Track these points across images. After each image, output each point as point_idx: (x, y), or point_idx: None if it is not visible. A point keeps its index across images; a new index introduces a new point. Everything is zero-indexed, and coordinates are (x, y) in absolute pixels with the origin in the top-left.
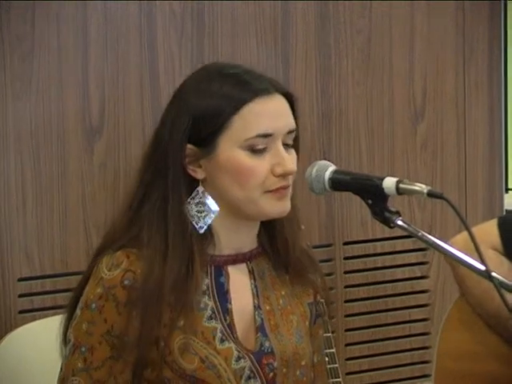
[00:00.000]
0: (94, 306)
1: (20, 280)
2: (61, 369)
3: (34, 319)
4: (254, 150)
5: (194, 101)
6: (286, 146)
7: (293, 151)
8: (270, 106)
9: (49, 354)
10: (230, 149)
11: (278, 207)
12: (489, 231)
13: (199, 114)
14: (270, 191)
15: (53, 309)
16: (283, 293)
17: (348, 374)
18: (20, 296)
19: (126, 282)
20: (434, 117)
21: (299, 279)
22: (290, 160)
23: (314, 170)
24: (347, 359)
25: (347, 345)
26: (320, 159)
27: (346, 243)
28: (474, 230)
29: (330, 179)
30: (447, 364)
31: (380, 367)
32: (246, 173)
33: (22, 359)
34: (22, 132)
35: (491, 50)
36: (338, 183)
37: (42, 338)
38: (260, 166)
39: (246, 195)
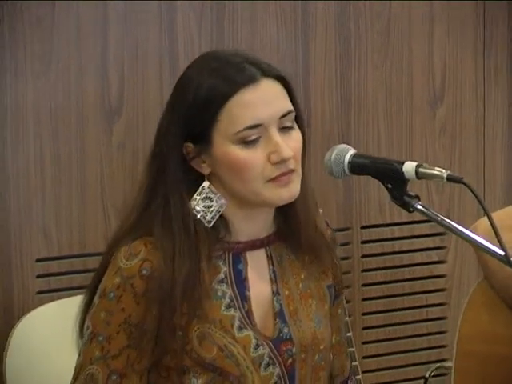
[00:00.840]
0: (111, 295)
1: (38, 260)
2: (79, 355)
3: (51, 300)
4: (247, 142)
5: (184, 98)
6: (284, 128)
7: (293, 132)
8: (256, 95)
9: (66, 334)
10: (222, 144)
11: (282, 194)
12: (509, 215)
13: (190, 111)
14: (271, 180)
15: (70, 290)
16: (302, 276)
17: (364, 357)
18: (38, 276)
19: (144, 272)
20: (453, 101)
21: (317, 261)
22: (285, 146)
23: (334, 154)
24: (364, 343)
25: (364, 328)
26: (339, 143)
27: (363, 227)
28: (495, 214)
29: (349, 163)
30: (468, 346)
31: (396, 351)
32: (242, 166)
33: (40, 339)
34: (41, 113)
35: (511, 34)
36: (358, 167)
37: (59, 318)
38: (255, 157)
39: (249, 188)
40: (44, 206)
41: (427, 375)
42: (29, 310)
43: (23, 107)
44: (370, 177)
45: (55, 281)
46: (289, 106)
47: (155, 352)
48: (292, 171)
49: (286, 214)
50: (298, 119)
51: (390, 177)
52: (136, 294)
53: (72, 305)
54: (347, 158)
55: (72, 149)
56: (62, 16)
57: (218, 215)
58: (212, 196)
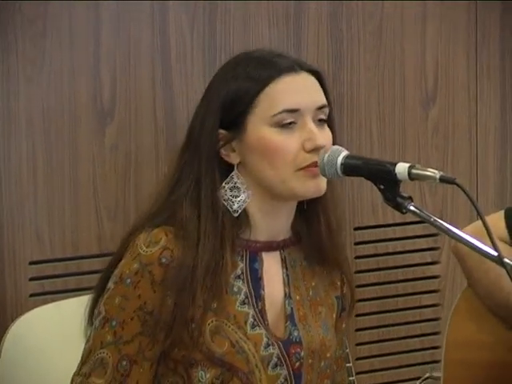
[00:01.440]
0: (128, 281)
1: (31, 263)
2: (88, 339)
3: (44, 303)
4: (283, 126)
5: (221, 88)
6: (319, 121)
7: (326, 128)
8: (295, 83)
9: (59, 337)
10: (258, 127)
11: (311, 186)
12: (495, 223)
13: (227, 98)
14: (302, 169)
15: (63, 292)
16: (313, 284)
17: (358, 359)
18: (31, 279)
19: (163, 260)
20: (445, 102)
21: (328, 271)
22: (320, 134)
23: (326, 155)
24: (357, 344)
25: (357, 330)
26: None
27: (356, 228)
28: (479, 223)
29: (342, 164)
30: (455, 353)
31: (390, 352)
32: (276, 150)
33: (33, 342)
34: (34, 114)
35: (503, 35)
36: (351, 168)
37: (52, 321)
38: (289, 141)
39: (278, 174)
40: (36, 208)
41: None
42: (22, 313)
43: (15, 109)
44: (362, 178)
45: (48, 283)
46: (325, 100)
47: (166, 342)
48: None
49: (308, 218)
50: (330, 120)
51: (383, 178)
52: (154, 282)
53: (66, 307)
54: (340, 159)
55: (64, 151)
56: (54, 18)
57: (243, 206)
58: (240, 186)
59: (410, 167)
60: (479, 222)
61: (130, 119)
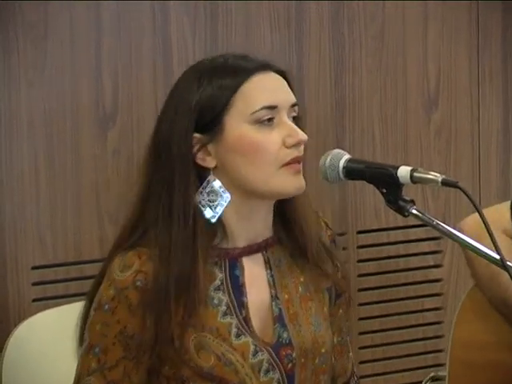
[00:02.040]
0: (106, 307)
1: (33, 268)
2: (78, 365)
3: (47, 307)
4: (262, 123)
5: (189, 96)
6: (292, 119)
7: (300, 125)
8: (268, 81)
9: (62, 342)
10: (237, 127)
11: (294, 183)
12: (502, 214)
13: (199, 103)
14: (285, 165)
15: (65, 297)
16: (302, 279)
17: (361, 362)
18: (33, 284)
19: (137, 283)
20: (447, 105)
21: (315, 264)
22: (299, 129)
23: (328, 159)
24: (360, 348)
25: (360, 333)
26: (333, 148)
27: (359, 232)
28: (486, 211)
29: (344, 168)
30: (461, 354)
31: (393, 356)
32: (258, 148)
33: (36, 347)
34: (35, 119)
35: (505, 37)
36: (353, 172)
37: (55, 326)
38: (270, 139)
39: (261, 172)
40: (39, 212)
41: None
42: (25, 318)
43: (17, 113)
44: (365, 182)
45: (51, 288)
46: (295, 99)
47: (153, 362)
48: (301, 160)
49: (284, 219)
50: (298, 118)
51: (385, 181)
52: (131, 306)
53: (69, 312)
54: (342, 162)
55: (66, 154)
56: (55, 21)
57: (221, 210)
58: (217, 190)
59: (413, 170)
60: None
61: (132, 123)
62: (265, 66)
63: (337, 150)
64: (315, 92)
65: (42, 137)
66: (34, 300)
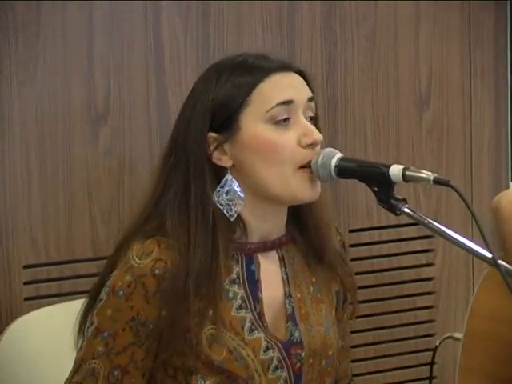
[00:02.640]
0: (121, 293)
1: (25, 267)
2: (80, 348)
3: (39, 306)
4: (278, 122)
5: (207, 94)
6: (309, 119)
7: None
8: (286, 80)
9: (54, 341)
10: (253, 126)
11: (309, 190)
12: None
13: (216, 101)
14: (301, 167)
15: (58, 296)
16: (314, 280)
17: (353, 361)
18: (25, 283)
19: (156, 272)
20: (439, 103)
21: (326, 267)
22: (315, 129)
23: (320, 158)
24: (352, 347)
25: (352, 332)
26: (325, 147)
27: (351, 231)
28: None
29: (336, 167)
30: (478, 323)
31: (385, 355)
32: (274, 147)
33: (28, 346)
34: (27, 119)
35: (497, 36)
36: (345, 171)
37: (47, 325)
38: (286, 138)
39: (276, 173)
40: (31, 212)
41: (437, 344)
42: (17, 317)
43: (9, 114)
44: (357, 180)
45: (43, 287)
46: (311, 93)
47: (163, 352)
48: None
49: (299, 220)
50: (316, 118)
51: (377, 180)
52: (147, 293)
53: (61, 311)
54: (334, 161)
55: (58, 154)
56: (47, 21)
57: (239, 208)
58: (235, 189)
59: (404, 169)
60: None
61: (124, 122)
62: (283, 66)
63: (329, 149)
64: None
65: (34, 136)
66: (25, 299)
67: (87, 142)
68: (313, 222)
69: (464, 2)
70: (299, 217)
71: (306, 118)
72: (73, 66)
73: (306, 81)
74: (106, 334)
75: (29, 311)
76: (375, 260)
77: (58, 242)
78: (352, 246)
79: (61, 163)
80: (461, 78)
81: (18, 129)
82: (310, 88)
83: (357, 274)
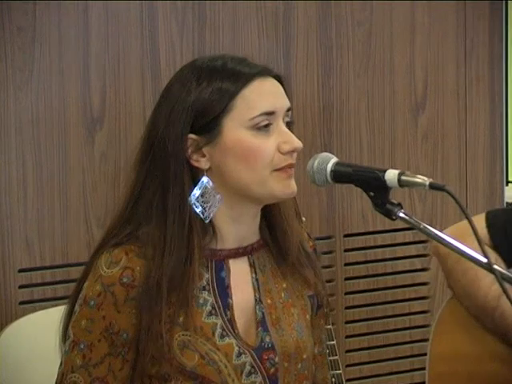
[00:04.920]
0: (92, 303)
1: (20, 271)
2: (60, 363)
3: (34, 310)
4: (259, 128)
5: (186, 96)
6: (286, 124)
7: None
8: (268, 86)
9: (49, 344)
10: (235, 130)
11: (287, 187)
12: (476, 223)
13: (197, 104)
14: (278, 170)
15: (53, 300)
16: (284, 285)
17: (348, 366)
18: (20, 287)
19: (124, 280)
20: (434, 109)
21: (298, 272)
22: (295, 137)
23: (316, 162)
24: (347, 351)
25: (347, 337)
26: (321, 151)
27: (346, 235)
28: (462, 224)
29: (332, 171)
30: (441, 367)
31: (380, 359)
32: (254, 153)
33: (23, 350)
34: (23, 122)
35: (492, 42)
36: (340, 175)
37: (42, 328)
38: (266, 144)
39: (255, 176)
40: (26, 216)
41: None
42: (12, 321)
43: (5, 117)
44: (352, 185)
45: (38, 291)
46: (289, 103)
47: (138, 360)
48: (294, 166)
49: (271, 224)
50: (292, 123)
51: (373, 185)
52: (116, 302)
53: (55, 315)
54: (330, 166)
55: (54, 158)
56: (43, 26)
57: (215, 211)
58: (211, 191)
59: (400, 174)
60: (461, 224)
61: (120, 126)
62: (264, 72)
63: (324, 154)
64: (303, 96)
65: (30, 140)
66: (20, 303)
67: (83, 145)
68: (279, 220)
69: (459, 9)
70: (270, 219)
71: (283, 123)
72: (69, 70)
73: (282, 86)
74: (82, 346)
75: (24, 315)
76: (370, 265)
77: (53, 246)
78: (347, 250)
79: (56, 167)
80: (456, 83)
81: (14, 133)
82: (287, 94)
83: (352, 278)
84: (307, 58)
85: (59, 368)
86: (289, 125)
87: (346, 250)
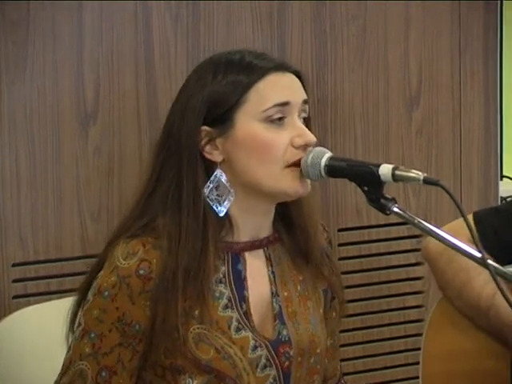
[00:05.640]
0: (106, 293)
1: (14, 265)
2: (69, 349)
3: (27, 304)
4: (272, 121)
5: (202, 89)
6: (303, 120)
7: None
8: (283, 80)
9: (43, 339)
10: (247, 123)
11: (299, 186)
12: (463, 226)
13: (212, 96)
14: (290, 165)
15: (46, 294)
16: (301, 278)
17: (342, 360)
18: (14, 281)
19: (141, 272)
20: (429, 103)
21: (313, 265)
22: (308, 131)
23: (310, 157)
24: (341, 345)
25: (341, 331)
26: (315, 146)
27: (340, 230)
28: (454, 223)
29: (326, 166)
30: (434, 366)
31: (374, 353)
32: (266, 146)
33: (16, 344)
34: (17, 117)
35: (487, 37)
36: (334, 170)
37: (36, 323)
38: (280, 138)
39: (267, 170)
40: (20, 210)
41: None
42: (5, 315)
43: None
44: (346, 179)
45: (31, 285)
46: (306, 96)
47: (153, 352)
48: None
49: (287, 219)
50: (309, 119)
51: (367, 179)
52: (132, 294)
53: (49, 309)
54: (324, 160)
55: (48, 153)
56: (37, 20)
57: (229, 204)
58: (225, 184)
59: (394, 169)
60: (453, 223)
61: (114, 121)
62: (281, 66)
63: (318, 148)
64: None
65: (24, 134)
66: (14, 297)
67: (77, 140)
68: (300, 221)
69: (454, 4)
70: (287, 216)
71: (299, 119)
72: (62, 65)
73: (301, 82)
74: (92, 335)
75: (17, 309)
76: (364, 259)
77: (46, 240)
78: (341, 245)
79: (50, 161)
80: (450, 77)
81: (8, 127)
82: (305, 90)
83: (346, 273)
84: (301, 52)
85: (67, 353)
86: (306, 120)
87: (340, 245)
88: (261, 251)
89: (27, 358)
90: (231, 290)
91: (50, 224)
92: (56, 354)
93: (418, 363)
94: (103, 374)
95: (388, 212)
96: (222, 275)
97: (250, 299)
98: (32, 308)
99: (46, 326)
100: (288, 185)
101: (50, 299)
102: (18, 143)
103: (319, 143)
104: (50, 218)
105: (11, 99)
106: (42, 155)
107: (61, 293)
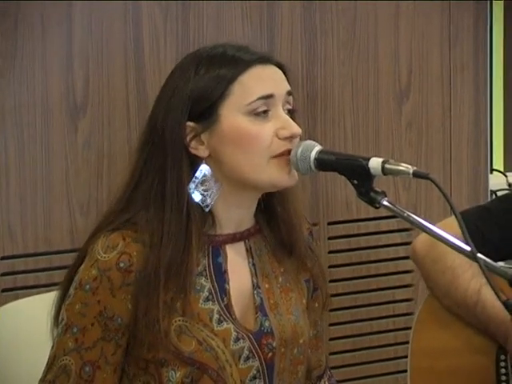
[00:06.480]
0: (87, 287)
1: (3, 258)
2: (53, 345)
3: (16, 298)
4: (257, 114)
5: (185, 84)
6: (287, 112)
7: (294, 119)
8: (266, 73)
9: (32, 332)
10: (232, 117)
11: (285, 176)
12: (453, 225)
13: (195, 92)
14: (276, 156)
15: (35, 287)
16: (282, 270)
17: (331, 354)
18: (3, 275)
19: (121, 265)
20: (419, 97)
21: (295, 256)
22: (293, 122)
23: (300, 150)
24: (330, 339)
25: (331, 325)
26: (305, 139)
27: (330, 223)
28: (443, 221)
29: (315, 159)
30: (422, 362)
31: (363, 347)
32: (251, 138)
33: (5, 338)
34: (6, 110)
35: (477, 30)
36: (324, 163)
37: (24, 316)
38: (264, 130)
39: (252, 163)
40: (9, 203)
41: None
42: None
43: None
44: (336, 173)
45: (20, 279)
46: (290, 87)
47: (133, 346)
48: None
49: (269, 210)
50: (294, 110)
51: (356, 173)
52: (112, 287)
53: (39, 302)
54: (313, 154)
55: (37, 146)
56: (26, 12)
57: (215, 199)
58: (210, 179)
59: (384, 162)
60: (442, 222)
61: (103, 114)
62: (264, 59)
63: (308, 141)
64: None
65: (13, 127)
66: (3, 290)
67: (66, 133)
68: (285, 213)
69: None
70: (270, 207)
71: (284, 111)
72: (51, 58)
73: (284, 74)
74: (75, 330)
75: (6, 302)
76: (354, 253)
77: (35, 234)
78: (330, 238)
79: (39, 154)
80: (441, 71)
81: None
82: (289, 82)
83: (335, 266)
84: (291, 44)
85: (51, 350)
86: (290, 112)
87: (329, 238)
88: (241, 243)
89: (16, 350)
90: (212, 283)
91: (38, 217)
92: (44, 347)
93: (407, 357)
94: (86, 368)
95: (378, 205)
96: (202, 268)
97: (231, 292)
98: (21, 301)
99: (34, 320)
100: (274, 176)
101: (38, 292)
102: (6, 136)
103: (309, 137)
104: (39, 212)
105: (0, 92)
106: (30, 148)
107: (49, 286)
